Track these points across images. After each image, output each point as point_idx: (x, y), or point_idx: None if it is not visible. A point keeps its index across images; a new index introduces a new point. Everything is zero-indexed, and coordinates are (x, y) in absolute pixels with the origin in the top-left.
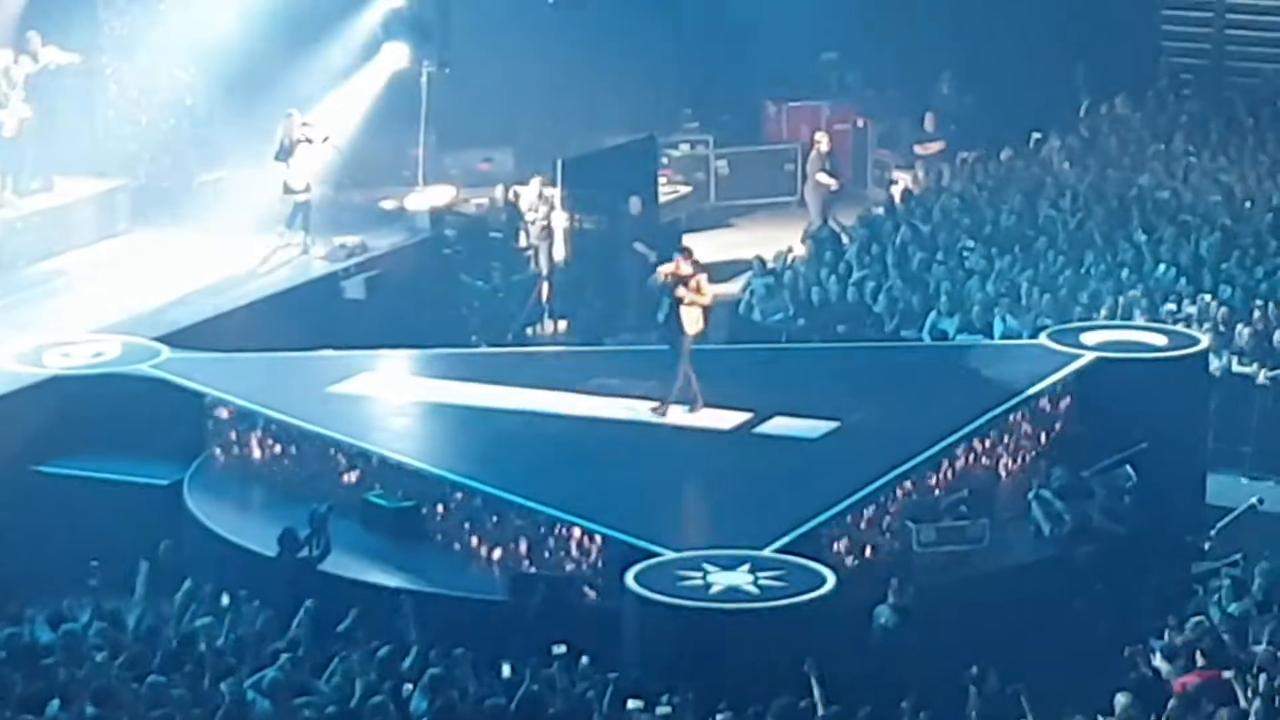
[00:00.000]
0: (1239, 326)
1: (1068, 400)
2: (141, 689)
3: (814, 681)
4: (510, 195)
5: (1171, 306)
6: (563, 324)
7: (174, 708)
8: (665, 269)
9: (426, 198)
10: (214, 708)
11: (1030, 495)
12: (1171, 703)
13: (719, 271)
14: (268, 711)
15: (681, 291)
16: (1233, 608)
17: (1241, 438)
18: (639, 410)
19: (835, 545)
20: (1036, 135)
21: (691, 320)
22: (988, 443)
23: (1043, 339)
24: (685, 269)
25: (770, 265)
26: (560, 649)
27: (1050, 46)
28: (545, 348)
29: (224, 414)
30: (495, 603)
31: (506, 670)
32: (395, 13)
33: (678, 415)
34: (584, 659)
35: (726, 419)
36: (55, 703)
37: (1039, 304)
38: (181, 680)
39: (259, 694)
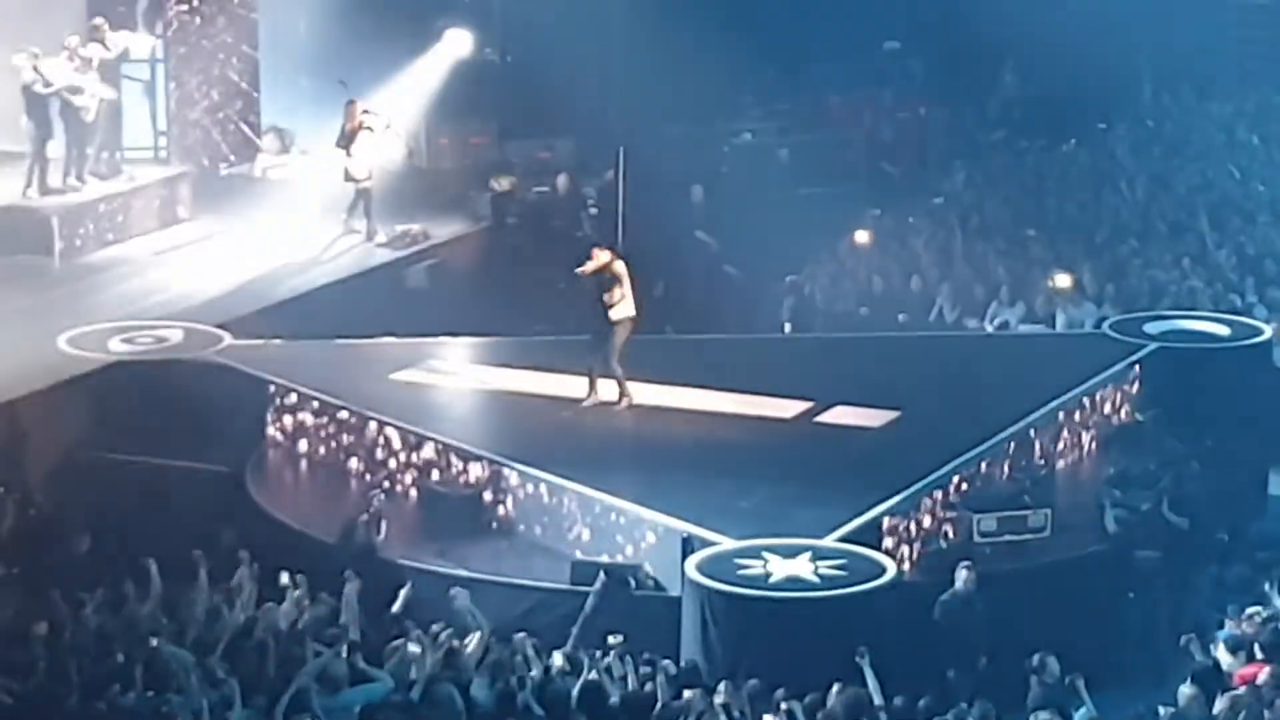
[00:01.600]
0: None
1: (1130, 390)
2: (201, 674)
3: (868, 671)
4: (571, 183)
5: (1234, 297)
6: None
7: (232, 692)
8: (590, 266)
9: (488, 186)
10: (274, 694)
11: (1098, 488)
12: (1239, 693)
13: (782, 260)
14: (328, 698)
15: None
16: None
17: None
18: (700, 399)
19: (896, 534)
20: (1101, 125)
21: (625, 308)
22: (1049, 432)
23: (1105, 329)
24: (605, 259)
25: (833, 254)
26: (616, 638)
27: (1115, 34)
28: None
29: (286, 400)
30: (556, 590)
31: (559, 659)
32: (460, 3)
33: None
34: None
35: (788, 407)
36: (116, 686)
37: (1101, 294)
38: (242, 666)
39: (318, 681)
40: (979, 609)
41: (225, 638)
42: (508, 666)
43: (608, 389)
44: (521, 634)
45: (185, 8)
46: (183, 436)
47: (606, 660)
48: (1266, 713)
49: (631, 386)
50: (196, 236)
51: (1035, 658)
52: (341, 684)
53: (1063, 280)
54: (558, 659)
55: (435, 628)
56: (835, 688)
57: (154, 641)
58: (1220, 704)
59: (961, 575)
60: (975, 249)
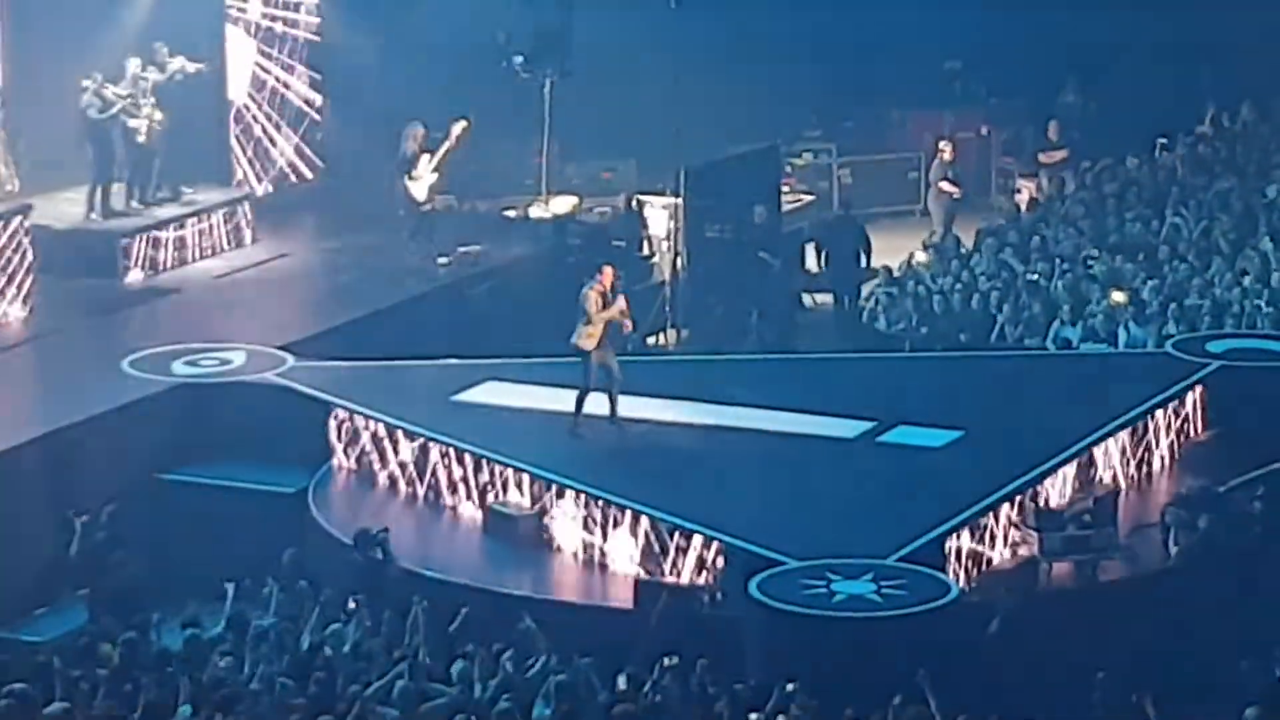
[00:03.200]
0: None
1: (1193, 409)
2: (269, 696)
3: (929, 691)
4: (633, 204)
5: None
6: (685, 333)
7: (301, 715)
8: (601, 287)
9: (550, 207)
10: (340, 715)
11: (1164, 509)
12: None
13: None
14: (392, 717)
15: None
16: None
17: None
18: (762, 419)
19: (959, 554)
20: (1162, 141)
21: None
22: (1112, 452)
23: (1167, 348)
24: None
25: (894, 274)
26: (672, 660)
27: (1175, 53)
28: (667, 356)
29: (348, 422)
30: (620, 611)
31: (623, 681)
32: (519, 23)
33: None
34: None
35: (850, 427)
36: (186, 709)
37: (1164, 312)
38: (309, 687)
39: (386, 704)
40: (1037, 629)
41: (292, 659)
42: (570, 689)
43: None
44: (584, 656)
45: (248, 29)
46: (246, 458)
47: (669, 681)
48: None
49: (695, 406)
50: (259, 258)
51: (1099, 676)
52: (410, 704)
53: (1124, 299)
54: (621, 682)
55: (496, 648)
56: (896, 701)
57: (221, 662)
58: None
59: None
60: (1037, 268)
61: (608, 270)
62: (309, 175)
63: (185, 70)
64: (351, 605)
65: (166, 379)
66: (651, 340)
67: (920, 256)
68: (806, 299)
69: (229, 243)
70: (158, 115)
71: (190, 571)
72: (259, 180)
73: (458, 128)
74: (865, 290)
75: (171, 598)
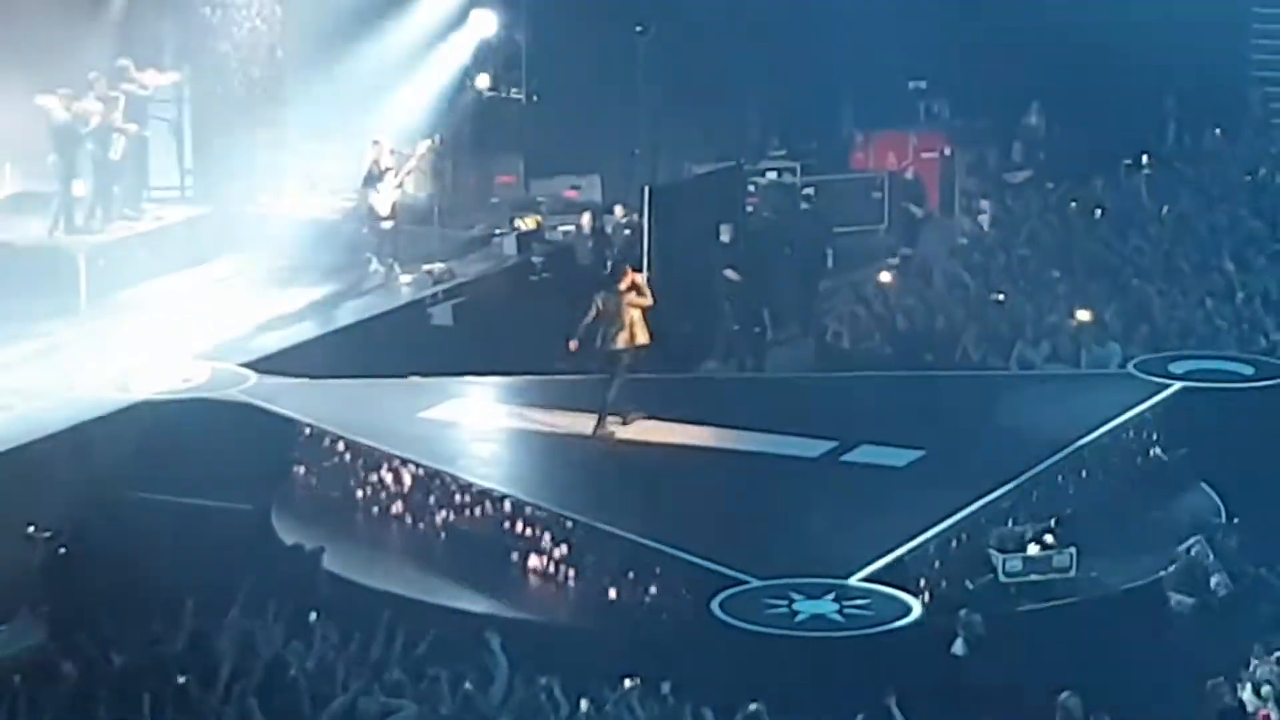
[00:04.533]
0: None
1: (1155, 430)
2: (232, 713)
3: (895, 711)
4: (598, 222)
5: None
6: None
7: None
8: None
9: (514, 225)
10: None
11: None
12: None
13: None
14: None
15: (637, 300)
16: None
17: None
18: (725, 439)
19: (921, 574)
20: (1126, 162)
21: (642, 330)
22: (1074, 472)
23: (1130, 368)
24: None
25: (858, 293)
26: (635, 681)
27: (1140, 76)
28: (632, 375)
29: (311, 439)
30: (582, 630)
31: (585, 703)
32: (485, 43)
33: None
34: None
35: (813, 447)
36: None
37: (1126, 333)
38: (272, 704)
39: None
40: (998, 649)
41: (255, 676)
42: (532, 708)
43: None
44: (544, 676)
45: (213, 48)
46: (208, 475)
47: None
48: None
49: (659, 425)
50: (223, 276)
51: (1060, 697)
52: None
53: (1087, 319)
54: (583, 705)
55: (459, 666)
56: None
57: (181, 679)
58: None
59: (963, 618)
60: (1000, 289)
61: (629, 271)
62: (273, 192)
63: (153, 84)
64: (312, 619)
65: (129, 395)
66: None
67: (884, 276)
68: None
69: (193, 259)
70: (130, 129)
71: (151, 588)
72: (229, 198)
73: (423, 146)
74: (827, 308)
75: (132, 615)
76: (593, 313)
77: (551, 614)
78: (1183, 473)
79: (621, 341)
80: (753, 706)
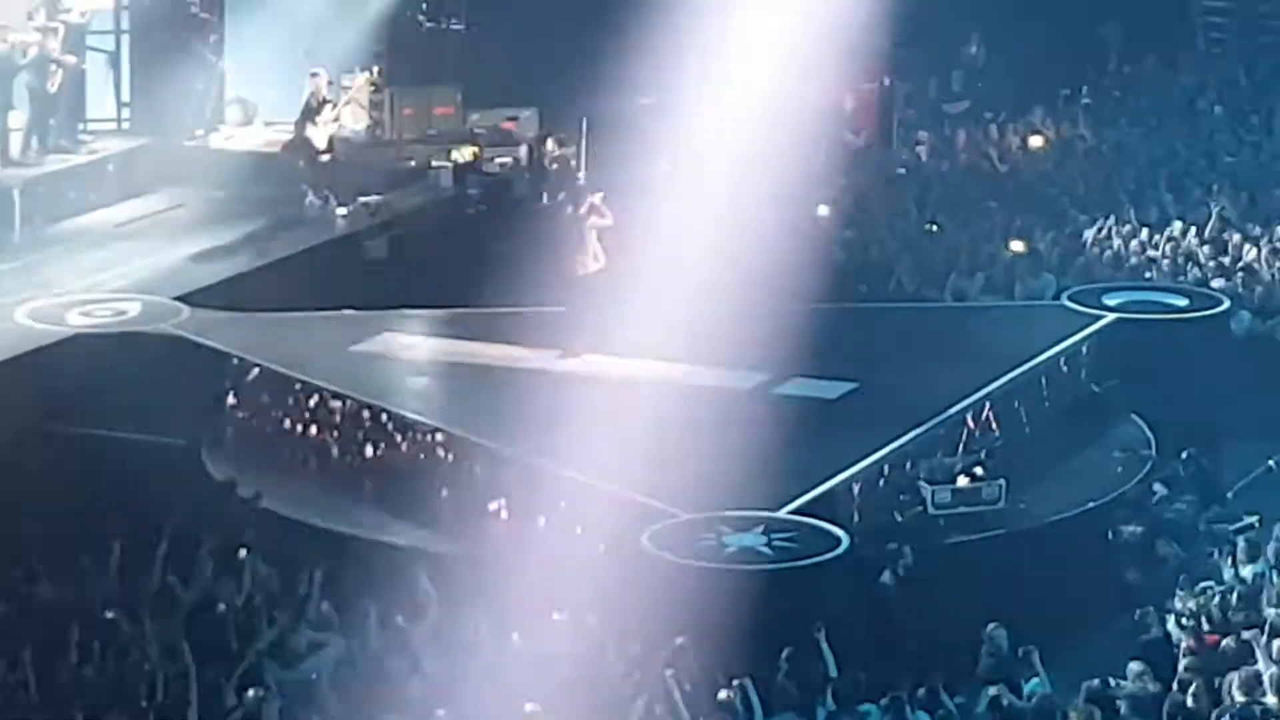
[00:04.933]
0: (1257, 288)
1: (1088, 361)
2: (159, 646)
3: (824, 644)
4: (535, 154)
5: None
6: None
7: (190, 664)
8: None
9: (450, 156)
10: (229, 667)
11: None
12: (1183, 664)
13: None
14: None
15: (599, 222)
16: (1246, 570)
17: (1262, 400)
18: (656, 371)
19: (850, 506)
20: (1065, 92)
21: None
22: (1006, 404)
23: (1064, 300)
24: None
25: (793, 223)
26: (562, 612)
27: (1079, 4)
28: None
29: (244, 373)
30: (511, 564)
31: (516, 636)
32: None
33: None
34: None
35: (745, 379)
36: (72, 658)
37: (1061, 264)
38: (200, 638)
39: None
40: (927, 582)
41: (183, 610)
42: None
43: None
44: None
45: None
46: (140, 409)
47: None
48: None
49: (590, 358)
50: (157, 209)
51: (987, 629)
52: (301, 656)
53: (1022, 249)
54: (514, 638)
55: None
56: (786, 653)
57: (109, 614)
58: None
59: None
60: (935, 219)
61: (589, 194)
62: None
63: (92, 17)
64: (242, 554)
65: (61, 329)
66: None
67: (822, 210)
68: None
69: (128, 192)
70: (70, 63)
71: (82, 523)
72: (165, 130)
73: (361, 78)
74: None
75: (61, 551)
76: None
77: (480, 547)
78: (1114, 404)
79: (583, 267)
80: (679, 640)
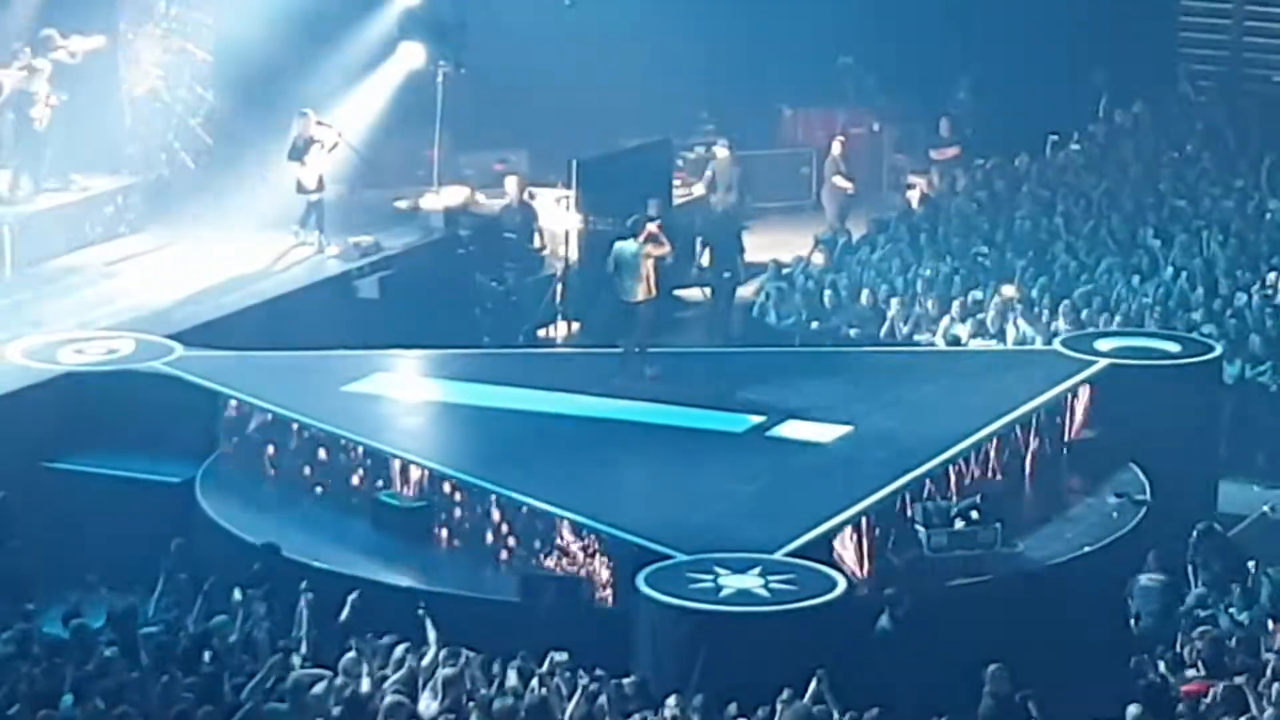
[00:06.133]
0: (1252, 335)
1: (1081, 407)
2: (155, 687)
3: (824, 688)
4: (525, 196)
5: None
6: (575, 325)
7: (187, 706)
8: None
9: (441, 198)
10: (227, 706)
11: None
12: (1180, 709)
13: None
14: (281, 711)
15: (654, 250)
16: (1243, 616)
17: (1255, 445)
18: (652, 413)
19: (846, 550)
20: (1053, 137)
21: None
22: (1000, 448)
23: (1056, 345)
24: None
25: (785, 268)
26: (561, 655)
27: (1068, 51)
28: (557, 349)
29: (237, 412)
30: (505, 604)
31: (513, 675)
32: (411, 13)
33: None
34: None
35: (739, 422)
36: (68, 698)
37: (1053, 310)
38: (196, 678)
39: (272, 695)
40: (923, 626)
41: (179, 649)
42: (456, 682)
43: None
44: (469, 650)
45: (138, 17)
46: (133, 447)
47: (554, 677)
48: None
49: (584, 399)
50: (148, 247)
51: (986, 672)
52: (296, 694)
53: (1014, 294)
54: (511, 677)
55: (388, 640)
56: (784, 695)
57: (107, 652)
58: None
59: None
60: (928, 264)
61: (649, 225)
62: (197, 162)
63: (79, 50)
64: (238, 596)
65: (54, 366)
66: (543, 333)
67: (817, 258)
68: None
69: (118, 230)
70: (53, 101)
71: (75, 561)
72: (149, 167)
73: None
74: (756, 285)
75: (55, 588)
76: (611, 266)
77: (476, 588)
78: (1107, 449)
79: (640, 294)
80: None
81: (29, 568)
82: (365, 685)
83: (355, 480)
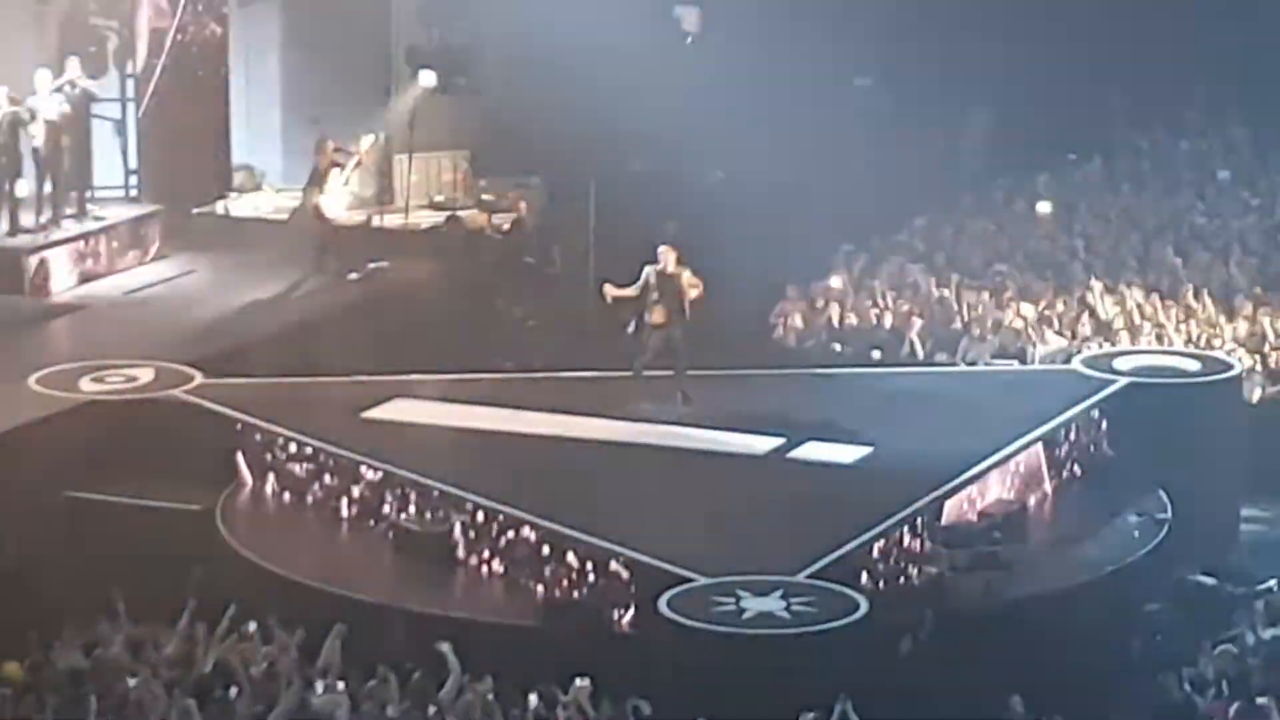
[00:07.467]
0: (1273, 352)
1: (1102, 426)
2: (178, 713)
3: (847, 710)
4: (540, 218)
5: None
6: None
7: None
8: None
9: (458, 221)
10: None
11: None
12: None
13: (753, 296)
14: None
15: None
16: (1267, 634)
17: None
18: (672, 435)
19: (868, 571)
20: (1071, 157)
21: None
22: (1021, 468)
23: (1076, 364)
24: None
25: (805, 289)
26: (583, 681)
27: (1087, 71)
28: (577, 373)
29: (257, 439)
30: (527, 629)
31: (535, 699)
32: (416, 45)
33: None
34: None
35: (759, 444)
36: None
37: (1073, 329)
38: (216, 707)
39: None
40: (945, 648)
41: (200, 677)
42: (478, 708)
43: None
44: (491, 677)
45: (156, 47)
46: (154, 475)
47: (577, 700)
48: None
49: (603, 423)
50: (167, 275)
51: (1012, 701)
52: None
53: (1033, 315)
54: (533, 700)
55: (407, 667)
56: (807, 718)
57: (132, 681)
58: None
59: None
60: (947, 285)
61: (669, 252)
62: (220, 192)
63: (99, 86)
64: (257, 625)
65: (74, 395)
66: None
67: (834, 281)
68: None
69: (138, 259)
70: (78, 132)
71: (97, 589)
72: (174, 198)
73: (366, 142)
74: (777, 307)
75: (77, 616)
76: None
77: (497, 613)
78: (1129, 468)
79: (659, 317)
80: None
81: (50, 597)
82: (389, 712)
83: (375, 506)
